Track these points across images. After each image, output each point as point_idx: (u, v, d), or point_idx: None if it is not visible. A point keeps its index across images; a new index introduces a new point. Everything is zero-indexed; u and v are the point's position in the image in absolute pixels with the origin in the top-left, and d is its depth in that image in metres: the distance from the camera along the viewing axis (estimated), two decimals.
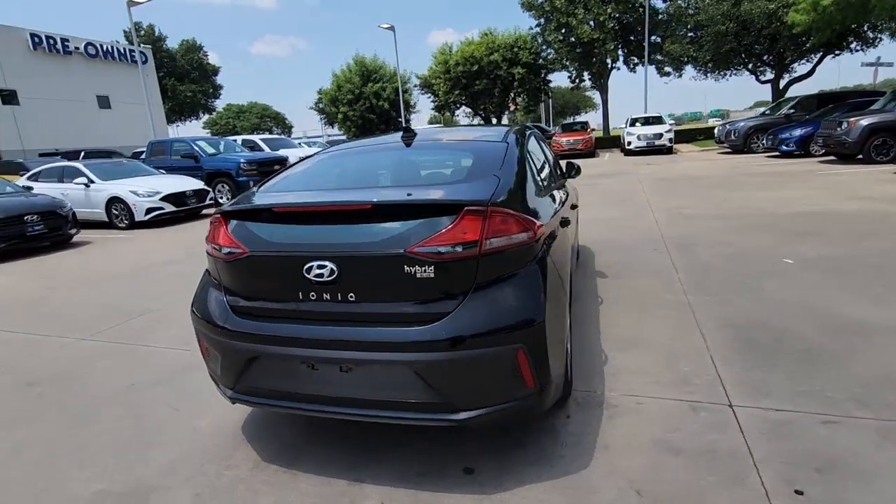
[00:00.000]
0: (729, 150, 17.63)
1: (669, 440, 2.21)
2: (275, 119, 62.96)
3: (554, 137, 21.75)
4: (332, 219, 2.01)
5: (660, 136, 19.82)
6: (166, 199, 10.12)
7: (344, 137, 34.37)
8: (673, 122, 23.12)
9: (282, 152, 15.21)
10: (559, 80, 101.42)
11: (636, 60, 28.48)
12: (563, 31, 26.86)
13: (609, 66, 28.65)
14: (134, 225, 9.90)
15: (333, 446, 2.36)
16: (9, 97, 25.90)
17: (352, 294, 1.92)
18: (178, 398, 2.93)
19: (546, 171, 3.17)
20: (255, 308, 2.08)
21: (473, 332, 1.83)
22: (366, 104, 32.43)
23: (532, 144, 3.05)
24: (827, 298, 3.64)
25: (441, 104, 32.17)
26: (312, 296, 1.96)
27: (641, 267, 4.88)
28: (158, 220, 10.07)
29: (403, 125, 28.71)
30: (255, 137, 16.18)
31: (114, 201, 9.98)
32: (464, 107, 32.40)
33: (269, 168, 12.93)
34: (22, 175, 11.55)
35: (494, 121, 33.77)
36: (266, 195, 2.41)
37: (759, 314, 3.47)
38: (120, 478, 2.25)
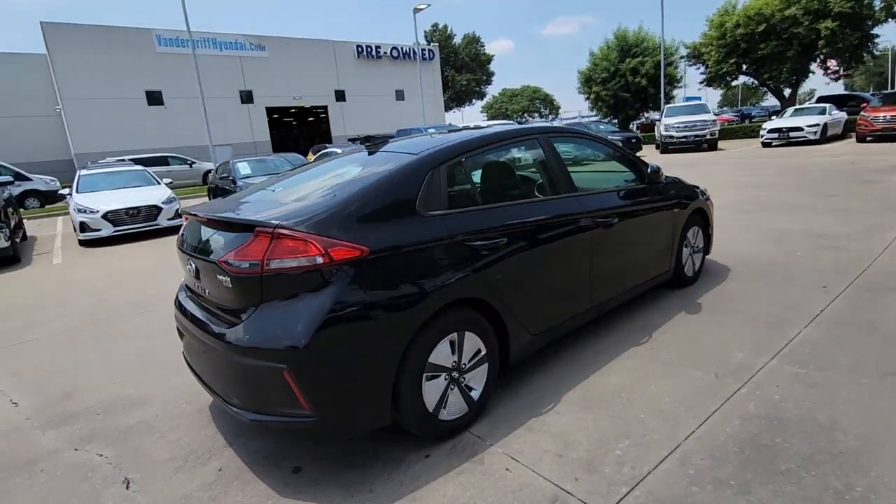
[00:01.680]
0: None
1: None
2: (544, 101, 64.80)
3: (863, 112, 16.13)
4: (209, 225, 2.39)
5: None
6: None
7: (596, 118, 33.10)
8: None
9: None
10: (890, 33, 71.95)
11: None
12: None
13: None
14: None
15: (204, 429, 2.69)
16: (340, 96, 34.37)
17: (206, 289, 2.29)
18: None
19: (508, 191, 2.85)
20: (187, 292, 2.66)
21: (248, 345, 1.97)
22: (620, 82, 30.21)
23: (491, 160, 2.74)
24: None
25: (712, 75, 27.33)
26: (197, 286, 2.41)
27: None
28: None
29: (663, 101, 25.95)
30: (482, 124, 17.31)
31: None
32: (744, 77, 26.67)
33: None
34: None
35: (788, 91, 26.78)
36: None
37: None
38: None
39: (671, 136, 18.29)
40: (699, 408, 2.45)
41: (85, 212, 9.01)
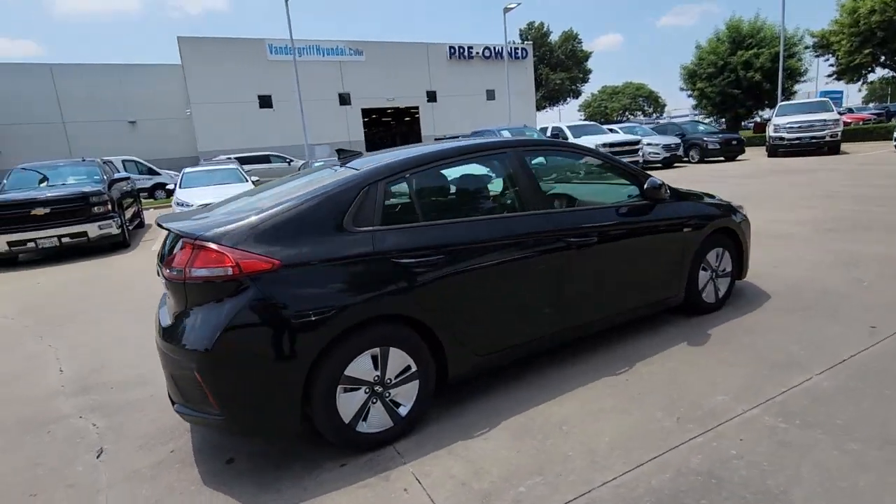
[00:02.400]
0: None
1: None
2: (647, 98, 60.97)
3: None
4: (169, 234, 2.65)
5: None
6: None
7: (689, 118, 30.27)
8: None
9: (584, 139, 15.30)
10: None
11: None
12: None
13: None
14: None
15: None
16: (432, 96, 35.23)
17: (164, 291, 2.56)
18: None
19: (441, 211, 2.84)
20: None
21: (172, 344, 2.18)
22: (729, 77, 27.28)
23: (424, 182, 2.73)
24: None
25: (842, 68, 23.72)
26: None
27: None
28: None
29: (780, 98, 22.90)
30: (562, 125, 16.75)
31: None
32: (881, 69, 22.78)
33: None
34: None
35: None
36: None
37: None
38: None
39: (781, 138, 16.32)
40: (637, 453, 2.23)
41: (182, 205, 10.29)
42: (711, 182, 11.85)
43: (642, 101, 60.89)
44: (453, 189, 2.97)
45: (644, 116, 59.57)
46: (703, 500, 1.92)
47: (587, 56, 43.22)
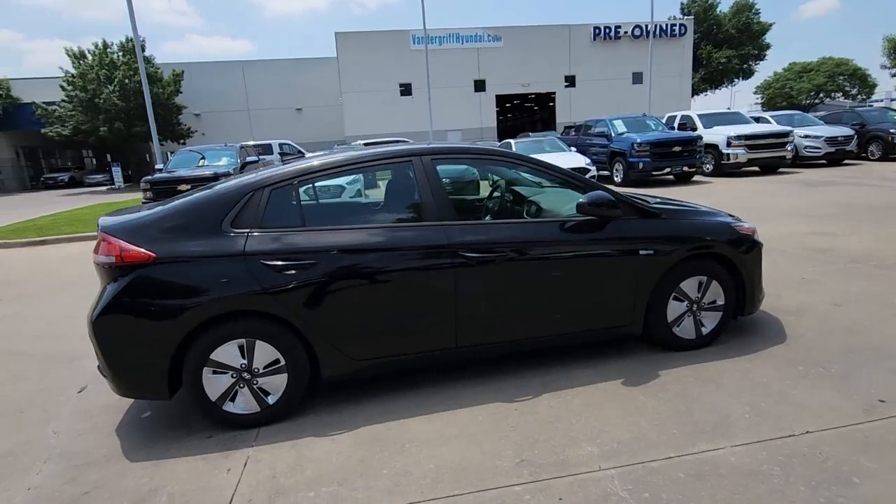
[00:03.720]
0: None
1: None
2: (851, 77, 49.99)
3: None
4: None
5: None
6: None
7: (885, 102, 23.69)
8: None
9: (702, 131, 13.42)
10: None
11: None
12: None
13: None
14: None
15: None
16: (570, 81, 33.73)
17: None
18: None
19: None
20: None
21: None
22: None
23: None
24: None
25: None
26: None
27: None
28: None
29: None
30: (692, 113, 14.76)
31: None
32: None
33: (667, 149, 12.10)
34: None
35: None
36: None
37: None
38: None
39: None
40: (451, 484, 2.14)
41: None
42: (866, 194, 9.56)
43: (843, 79, 50.12)
44: (343, 197, 3.03)
45: (845, 98, 49.12)
46: None
47: (765, 29, 36.81)
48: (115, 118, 27.57)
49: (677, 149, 12.14)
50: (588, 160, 12.41)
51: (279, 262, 2.58)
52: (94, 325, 2.49)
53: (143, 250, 2.50)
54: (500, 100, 34.26)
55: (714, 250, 3.16)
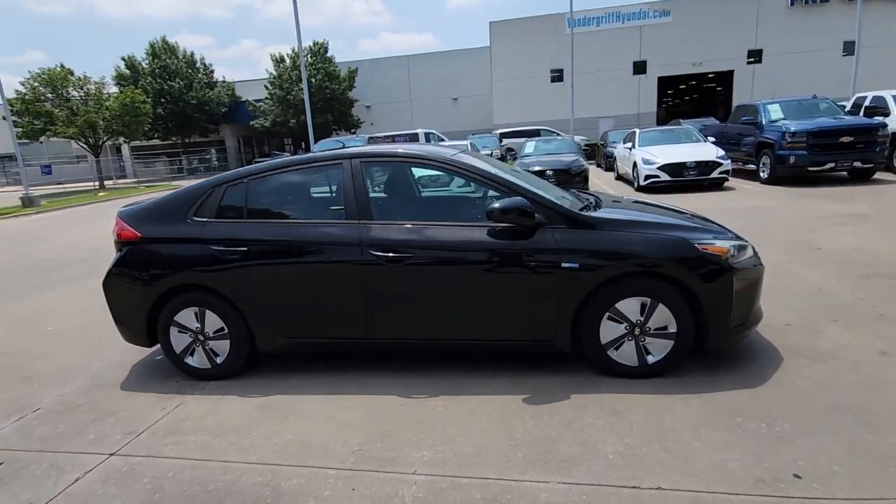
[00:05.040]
0: None
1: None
2: None
3: None
4: None
5: None
6: (663, 168, 10.64)
7: None
8: None
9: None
10: None
11: None
12: None
13: None
14: (640, 189, 11.23)
15: None
16: (755, 56, 28.84)
17: None
18: None
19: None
20: None
21: None
22: None
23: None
24: None
25: None
26: None
27: None
28: (657, 187, 10.84)
29: None
30: (886, 94, 11.45)
31: (635, 165, 11.60)
32: None
33: (832, 140, 9.87)
34: None
35: None
36: None
37: None
38: None
39: None
40: (270, 454, 2.43)
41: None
42: None
43: None
44: (282, 194, 3.38)
45: None
46: None
47: None
48: (301, 112, 32.54)
49: (847, 139, 9.76)
50: (722, 153, 10.76)
51: (221, 248, 3.11)
52: (103, 285, 3.34)
53: (133, 231, 3.27)
54: (663, 83, 30.97)
55: (667, 271, 2.76)
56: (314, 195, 3.41)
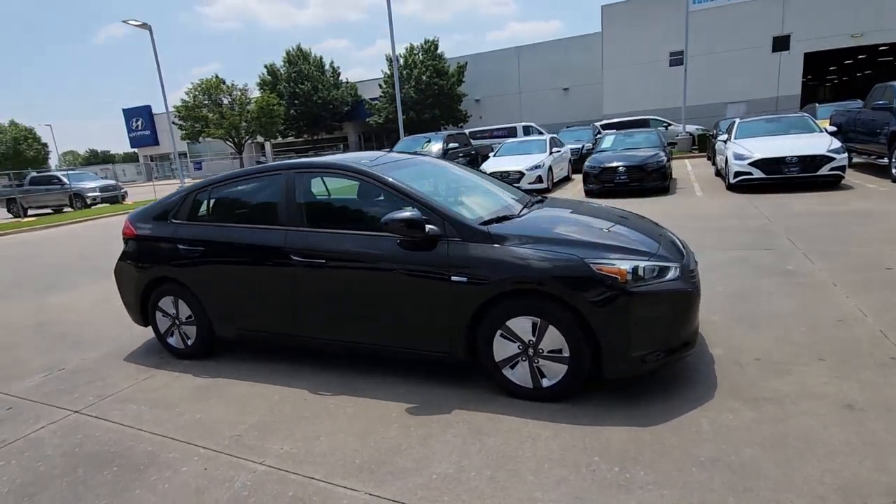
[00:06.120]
0: None
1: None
2: None
3: None
4: None
5: None
6: (757, 164, 9.27)
7: None
8: None
9: None
10: None
11: None
12: None
13: None
14: (730, 188, 9.94)
15: None
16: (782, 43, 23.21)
17: None
18: None
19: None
20: None
21: None
22: None
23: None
24: None
25: None
26: None
27: None
28: (749, 186, 9.51)
29: None
30: None
31: (727, 161, 10.26)
32: None
33: None
34: None
35: None
36: None
37: None
38: None
39: None
40: (171, 430, 2.81)
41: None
42: None
43: None
44: (234, 201, 3.72)
45: None
46: None
47: None
48: (410, 108, 34.02)
49: None
50: (837, 145, 9.02)
51: (185, 247, 3.61)
52: (114, 272, 4.07)
53: (131, 229, 3.93)
54: (810, 59, 26.44)
55: (544, 289, 2.59)
56: (259, 202, 3.75)
